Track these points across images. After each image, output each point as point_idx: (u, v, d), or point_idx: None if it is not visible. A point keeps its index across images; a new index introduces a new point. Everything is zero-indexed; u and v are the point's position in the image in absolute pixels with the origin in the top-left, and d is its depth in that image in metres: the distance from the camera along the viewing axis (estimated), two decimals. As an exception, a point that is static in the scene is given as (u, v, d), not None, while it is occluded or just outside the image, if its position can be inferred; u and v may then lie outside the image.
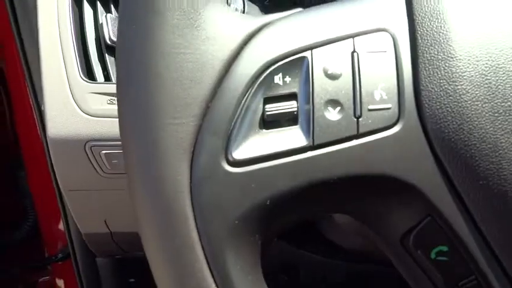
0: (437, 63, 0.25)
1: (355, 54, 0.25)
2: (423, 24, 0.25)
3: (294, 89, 0.25)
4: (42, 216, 0.90)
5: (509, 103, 0.24)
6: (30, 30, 0.59)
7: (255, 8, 0.40)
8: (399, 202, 0.25)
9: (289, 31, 0.25)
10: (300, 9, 0.27)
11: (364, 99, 0.24)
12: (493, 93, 0.24)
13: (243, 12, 0.38)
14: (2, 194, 0.95)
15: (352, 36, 0.25)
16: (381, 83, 0.25)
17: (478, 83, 0.24)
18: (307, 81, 0.24)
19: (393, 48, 0.25)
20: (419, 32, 0.25)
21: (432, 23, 0.25)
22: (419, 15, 0.25)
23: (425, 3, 0.25)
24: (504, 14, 0.25)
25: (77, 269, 0.80)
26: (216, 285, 0.23)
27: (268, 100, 0.24)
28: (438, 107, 0.24)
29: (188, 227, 0.23)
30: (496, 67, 0.24)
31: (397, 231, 0.25)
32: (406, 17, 0.26)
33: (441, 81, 0.24)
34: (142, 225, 0.24)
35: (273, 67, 0.25)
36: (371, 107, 0.24)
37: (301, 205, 0.25)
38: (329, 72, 0.24)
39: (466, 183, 0.24)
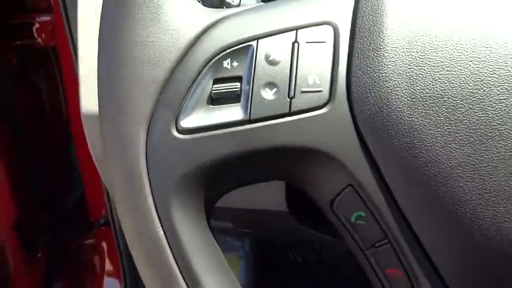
0: (368, 53, 0.28)
1: (295, 44, 0.29)
2: (363, 18, 0.29)
3: (240, 72, 0.29)
4: (87, 186, 0.98)
5: (427, 90, 0.27)
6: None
7: None
8: (325, 172, 0.29)
9: (240, 23, 0.30)
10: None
11: (298, 83, 0.28)
12: (413, 82, 0.27)
13: (239, 4, 0.42)
14: (56, 166, 1.03)
15: (296, 28, 0.29)
16: (315, 69, 0.28)
17: (401, 72, 0.27)
18: (251, 66, 0.29)
19: (333, 39, 0.29)
20: (358, 25, 0.29)
21: (371, 16, 0.29)
22: (362, 9, 0.29)
23: None
24: (438, 12, 0.28)
25: (115, 234, 0.87)
26: (162, 228, 0.28)
27: (217, 81, 0.29)
28: (364, 91, 0.28)
29: (142, 180, 0.28)
30: (421, 58, 0.27)
31: (327, 197, 0.29)
32: (352, 11, 0.29)
33: (369, 69, 0.28)
34: (111, 178, 0.29)
35: (222, 53, 0.29)
36: (304, 89, 0.28)
37: (238, 170, 0.29)
38: (270, 58, 0.29)
39: (383, 158, 0.28)
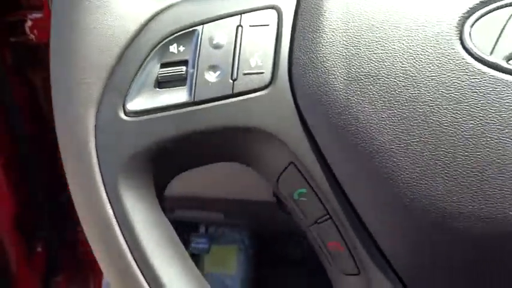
0: (308, 35, 0.29)
1: (239, 28, 0.30)
2: (306, 0, 0.30)
3: (186, 56, 0.30)
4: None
5: (362, 69, 0.28)
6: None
7: None
8: (269, 152, 0.30)
9: (187, 9, 0.31)
10: None
11: (240, 65, 0.29)
12: (349, 61, 0.28)
13: None
14: (55, 164, 1.05)
15: (241, 12, 0.30)
16: (258, 51, 0.29)
17: (338, 52, 0.28)
18: (196, 50, 0.30)
19: (276, 22, 0.30)
20: (301, 8, 0.30)
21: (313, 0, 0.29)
22: None
23: None
24: None
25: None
26: (111, 206, 0.30)
27: (164, 65, 0.30)
28: (303, 72, 0.29)
29: (92, 161, 0.30)
30: (357, 38, 0.28)
31: (273, 175, 0.30)
32: None
33: (308, 50, 0.29)
34: (63, 158, 0.31)
35: (168, 38, 0.30)
36: (246, 71, 0.29)
37: (185, 151, 0.30)
38: (214, 42, 0.30)
39: (322, 136, 0.28)
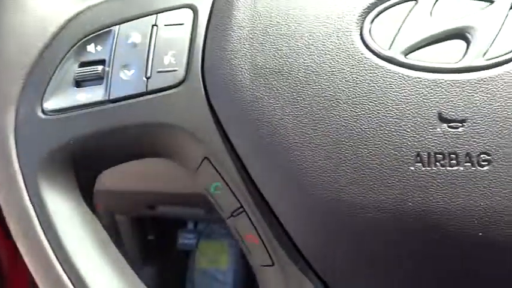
0: (218, 33, 0.30)
1: (154, 27, 0.31)
2: (220, 0, 0.30)
3: (104, 56, 0.31)
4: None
5: (268, 65, 0.28)
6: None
7: None
8: (185, 147, 0.30)
9: (105, 10, 0.32)
10: None
11: (154, 64, 0.30)
12: (255, 57, 0.29)
13: None
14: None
15: (156, 12, 0.31)
16: (172, 50, 0.30)
17: (245, 49, 0.29)
18: (112, 49, 0.31)
19: (191, 21, 0.31)
20: (215, 7, 0.31)
21: None
22: None
23: None
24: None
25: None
26: (32, 203, 0.31)
27: (82, 64, 0.31)
28: (214, 69, 0.29)
29: (11, 157, 0.31)
30: (262, 35, 0.29)
31: (191, 169, 0.31)
32: None
33: (217, 48, 0.29)
34: None
35: (86, 38, 0.31)
36: (160, 69, 0.30)
37: (104, 148, 0.31)
38: (129, 41, 0.30)
39: (233, 130, 0.29)
